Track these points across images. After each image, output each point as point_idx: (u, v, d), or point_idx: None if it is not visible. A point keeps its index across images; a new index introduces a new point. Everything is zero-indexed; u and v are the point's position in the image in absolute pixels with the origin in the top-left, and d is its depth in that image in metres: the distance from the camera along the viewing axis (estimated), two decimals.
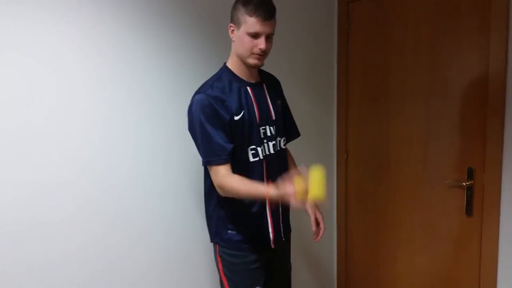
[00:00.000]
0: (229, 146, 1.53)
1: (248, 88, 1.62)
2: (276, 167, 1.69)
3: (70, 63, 1.61)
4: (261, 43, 1.51)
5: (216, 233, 1.70)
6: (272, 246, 1.70)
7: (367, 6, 2.41)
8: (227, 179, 1.52)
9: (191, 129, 1.58)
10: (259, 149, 1.62)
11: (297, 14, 2.37)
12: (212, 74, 1.64)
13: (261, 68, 1.66)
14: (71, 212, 1.64)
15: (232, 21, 1.56)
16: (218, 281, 1.74)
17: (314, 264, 2.64)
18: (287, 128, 1.84)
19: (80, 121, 1.65)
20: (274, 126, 1.68)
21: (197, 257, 2.03)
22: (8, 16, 1.45)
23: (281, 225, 1.74)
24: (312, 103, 2.51)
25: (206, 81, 1.61)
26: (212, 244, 1.75)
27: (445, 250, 2.17)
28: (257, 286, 1.66)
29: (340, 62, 2.59)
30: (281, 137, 1.73)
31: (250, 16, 1.48)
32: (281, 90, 1.85)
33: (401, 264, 2.38)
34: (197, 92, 1.56)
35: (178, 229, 1.96)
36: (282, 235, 1.76)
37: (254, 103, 1.61)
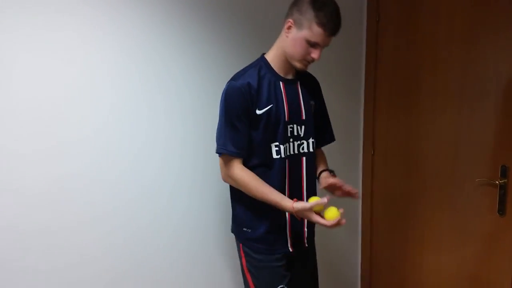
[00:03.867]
0: (245, 140, 1.51)
1: (281, 83, 1.57)
2: (300, 170, 1.63)
3: (110, 60, 1.63)
4: (316, 53, 1.48)
5: (238, 230, 1.68)
6: (290, 249, 1.66)
7: None
8: (240, 172, 1.52)
9: (219, 115, 1.57)
10: (282, 147, 1.57)
11: None
12: (242, 67, 1.62)
13: None
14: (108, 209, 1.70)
15: (292, 17, 1.47)
16: (241, 276, 1.73)
17: (338, 261, 2.61)
18: (320, 131, 1.76)
19: (113, 116, 1.68)
20: (303, 126, 1.63)
21: (221, 250, 2.03)
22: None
23: (305, 229, 1.70)
24: (338, 97, 2.46)
25: (241, 70, 1.58)
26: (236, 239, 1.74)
27: (475, 250, 2.11)
28: (281, 285, 1.63)
29: (369, 56, 2.53)
30: (310, 139, 1.66)
31: (319, 25, 1.42)
32: (319, 91, 1.77)
33: (428, 263, 2.33)
34: (230, 79, 1.54)
35: (204, 222, 1.96)
36: (306, 240, 1.71)
37: (284, 99, 1.56)
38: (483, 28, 1.99)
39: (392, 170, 2.49)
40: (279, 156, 1.56)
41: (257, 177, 1.52)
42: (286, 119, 1.55)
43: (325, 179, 1.68)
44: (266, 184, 1.51)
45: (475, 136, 2.06)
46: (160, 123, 1.81)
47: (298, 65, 1.53)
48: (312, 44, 1.46)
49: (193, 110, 1.89)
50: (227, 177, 1.56)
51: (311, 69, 1.98)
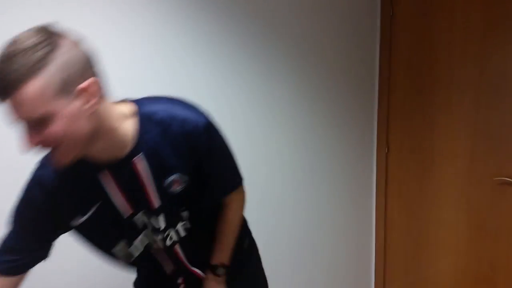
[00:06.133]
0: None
1: (103, 172, 0.99)
2: (180, 256, 1.19)
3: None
4: (28, 135, 0.83)
5: None
6: None
7: None
8: None
9: None
10: (134, 244, 1.12)
11: (339, 2, 2.30)
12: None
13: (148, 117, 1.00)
14: None
15: None
16: None
17: (351, 261, 2.58)
18: (208, 192, 1.14)
19: None
20: (161, 216, 1.09)
21: None
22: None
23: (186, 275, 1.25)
24: (351, 94, 2.43)
25: (37, 165, 1.03)
26: None
27: (493, 250, 2.06)
28: None
29: (383, 52, 2.49)
30: (182, 221, 1.13)
31: None
32: (195, 146, 1.03)
33: (444, 263, 2.29)
34: (34, 168, 1.03)
35: None
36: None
37: (116, 192, 1.02)
38: (500, 23, 1.94)
39: (407, 168, 2.44)
40: (132, 259, 1.14)
41: None
42: (126, 216, 1.06)
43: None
44: None
45: (493, 134, 2.01)
46: None
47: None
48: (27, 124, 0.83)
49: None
50: None
51: (322, 64, 1.94)
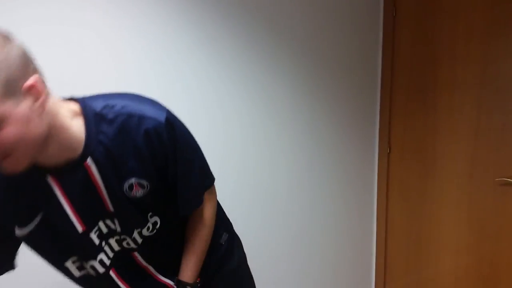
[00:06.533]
0: None
1: (49, 180, 0.89)
2: (141, 263, 1.06)
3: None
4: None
5: None
6: None
7: None
8: None
9: None
10: (87, 264, 1.00)
11: (341, 1, 2.29)
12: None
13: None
14: None
15: None
16: None
17: (352, 261, 2.58)
18: (177, 202, 1.03)
19: None
20: (116, 221, 0.97)
21: None
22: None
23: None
24: (353, 94, 2.42)
25: None
26: None
27: (495, 251, 2.06)
28: None
29: (385, 52, 2.49)
30: (141, 228, 0.99)
31: None
32: (159, 148, 0.92)
33: (444, 263, 2.28)
34: None
35: None
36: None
37: (63, 201, 0.91)
38: (503, 24, 1.94)
39: (408, 169, 2.44)
40: (82, 273, 1.02)
41: None
42: (81, 229, 0.94)
43: None
44: None
45: (495, 135, 2.00)
46: None
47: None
48: None
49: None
50: None
51: (324, 64, 1.94)
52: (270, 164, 2.03)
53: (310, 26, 2.11)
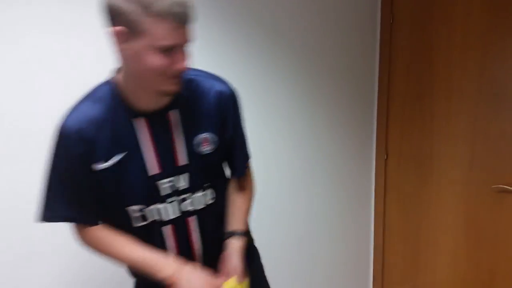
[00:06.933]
0: (87, 203, 1.09)
1: (139, 119, 1.04)
2: (186, 238, 1.15)
3: None
4: (179, 60, 0.96)
5: None
6: None
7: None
8: (95, 234, 1.10)
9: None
10: (147, 210, 1.10)
11: (337, 6, 2.30)
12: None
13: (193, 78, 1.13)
14: None
15: (117, 24, 0.92)
16: None
17: (349, 266, 2.57)
18: (230, 166, 1.24)
19: None
20: (186, 176, 1.11)
21: None
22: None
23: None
24: (350, 100, 2.43)
25: (80, 100, 1.07)
26: None
27: (492, 257, 2.06)
28: None
29: (382, 58, 2.49)
30: (204, 191, 1.15)
31: (161, 18, 0.90)
32: (225, 111, 1.13)
33: (442, 270, 2.28)
34: (63, 117, 1.04)
35: None
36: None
37: (147, 143, 1.06)
38: (500, 31, 1.95)
39: (405, 175, 2.44)
40: (144, 223, 1.11)
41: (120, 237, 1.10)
42: (151, 172, 1.07)
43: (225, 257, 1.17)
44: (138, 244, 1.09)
45: (492, 141, 2.01)
46: None
47: (164, 88, 1.00)
48: (166, 50, 0.93)
49: None
50: (82, 245, 1.15)
51: (321, 69, 1.94)
52: (265, 170, 2.02)
53: (307, 32, 2.11)
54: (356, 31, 2.41)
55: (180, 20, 0.91)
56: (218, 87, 1.11)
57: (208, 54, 1.84)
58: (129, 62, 0.98)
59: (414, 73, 2.34)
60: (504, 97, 1.95)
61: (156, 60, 0.93)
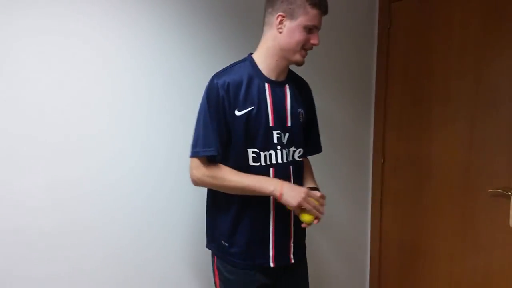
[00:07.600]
0: (222, 141, 1.42)
1: (266, 85, 1.46)
2: (286, 180, 1.47)
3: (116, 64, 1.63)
4: (315, 38, 1.44)
5: (215, 244, 1.55)
6: (272, 265, 1.49)
7: (411, 5, 2.33)
8: (216, 168, 1.42)
9: (197, 113, 1.47)
10: (262, 154, 1.45)
11: (335, 12, 2.31)
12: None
13: (291, 69, 1.57)
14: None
15: (281, 10, 1.40)
16: None
17: (345, 270, 2.57)
18: (309, 141, 1.65)
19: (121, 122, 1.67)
20: (288, 134, 1.50)
21: (195, 269, 1.93)
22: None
23: (292, 243, 1.54)
24: (348, 105, 2.44)
25: (226, 67, 1.49)
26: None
27: (488, 261, 2.06)
28: None
29: (380, 63, 2.51)
30: (296, 148, 1.54)
31: (313, 6, 1.39)
32: (310, 98, 1.66)
33: (438, 274, 2.29)
34: (213, 76, 1.45)
35: (179, 237, 1.90)
36: (292, 256, 1.54)
37: (269, 102, 1.46)
38: (497, 36, 1.96)
39: (402, 179, 2.45)
40: (258, 164, 1.45)
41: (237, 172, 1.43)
42: (271, 123, 1.46)
43: None
44: (251, 175, 1.43)
45: (488, 146, 2.02)
46: (164, 129, 1.81)
47: (297, 57, 1.45)
48: (309, 30, 1.41)
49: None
50: (202, 178, 1.43)
51: (319, 74, 1.96)
52: None
53: None
54: (353, 37, 2.43)
55: (324, 9, 1.43)
56: (307, 83, 1.67)
57: (205, 57, 1.85)
58: (280, 37, 1.43)
59: (411, 77, 2.35)
60: (500, 102, 1.97)
61: (302, 35, 1.41)
